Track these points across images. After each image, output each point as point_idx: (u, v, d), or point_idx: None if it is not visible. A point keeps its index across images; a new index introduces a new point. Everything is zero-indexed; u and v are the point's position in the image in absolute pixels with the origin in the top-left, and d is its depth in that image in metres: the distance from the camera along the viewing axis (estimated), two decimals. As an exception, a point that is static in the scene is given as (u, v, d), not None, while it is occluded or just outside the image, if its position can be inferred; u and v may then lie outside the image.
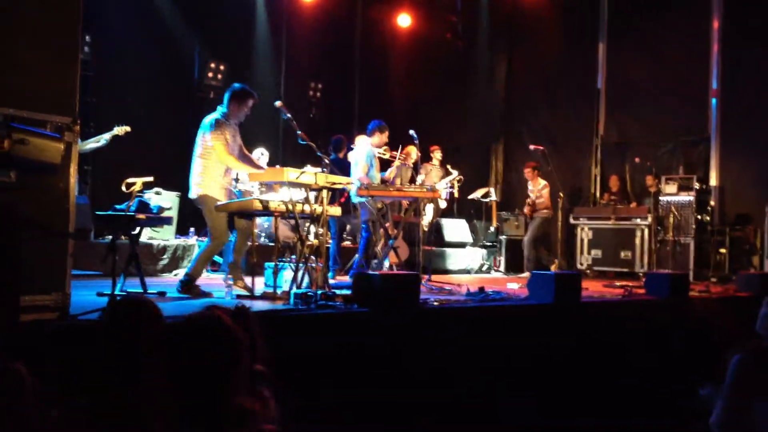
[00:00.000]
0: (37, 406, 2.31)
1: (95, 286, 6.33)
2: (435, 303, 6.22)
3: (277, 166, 8.52)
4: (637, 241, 11.03)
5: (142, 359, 2.49)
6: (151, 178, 6.68)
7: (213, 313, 2.44)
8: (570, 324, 6.54)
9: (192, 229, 10.13)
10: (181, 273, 8.56)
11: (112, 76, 10.58)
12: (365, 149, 8.90)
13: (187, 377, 2.32)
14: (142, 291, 6.26)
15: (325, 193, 6.61)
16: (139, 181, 6.34)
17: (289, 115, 6.80)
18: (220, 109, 6.66)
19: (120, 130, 8.19)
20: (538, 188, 11.33)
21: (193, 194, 6.63)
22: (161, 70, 11.47)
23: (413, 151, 9.74)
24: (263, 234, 10.03)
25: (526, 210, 11.52)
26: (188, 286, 6.39)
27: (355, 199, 8.67)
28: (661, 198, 11.11)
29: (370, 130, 8.98)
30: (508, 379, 5.88)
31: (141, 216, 6.29)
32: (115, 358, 2.50)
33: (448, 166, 11.47)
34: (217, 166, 6.56)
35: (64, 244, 4.49)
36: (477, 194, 12.78)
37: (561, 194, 11.20)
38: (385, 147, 9.44)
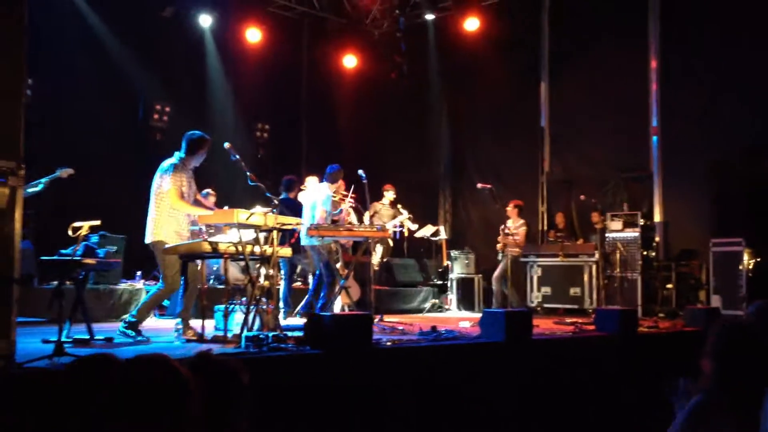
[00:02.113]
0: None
1: (40, 333, 6.17)
2: (388, 343, 6.19)
3: (226, 208, 8.44)
4: (586, 277, 11.18)
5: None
6: (97, 222, 6.55)
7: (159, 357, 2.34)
8: (522, 361, 6.57)
9: (138, 273, 9.94)
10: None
11: (55, 119, 10.42)
12: (326, 193, 8.86)
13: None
14: (88, 337, 6.12)
15: (275, 233, 6.57)
16: (85, 225, 6.21)
17: (237, 157, 6.79)
18: (178, 155, 6.65)
19: (63, 173, 8.01)
20: (516, 225, 11.40)
21: (147, 239, 6.58)
22: (106, 112, 11.34)
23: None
24: (212, 276, 9.90)
25: (499, 245, 11.53)
26: (134, 327, 6.31)
27: (305, 242, 8.63)
28: (607, 234, 11.30)
29: (330, 174, 8.95)
30: (463, 418, 5.86)
31: (88, 261, 6.16)
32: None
33: (399, 206, 11.48)
34: (172, 212, 6.53)
35: (8, 291, 4.37)
36: (426, 232, 12.83)
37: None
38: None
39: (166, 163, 6.62)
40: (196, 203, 6.81)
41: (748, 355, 3.10)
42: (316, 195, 8.94)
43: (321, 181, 9.26)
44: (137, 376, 2.22)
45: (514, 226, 11.42)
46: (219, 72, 13.36)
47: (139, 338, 6.29)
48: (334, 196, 9.23)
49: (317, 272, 8.83)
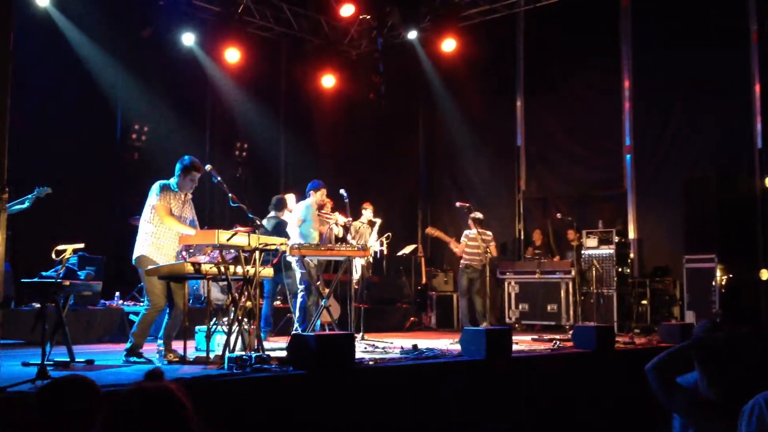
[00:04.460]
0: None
1: (19, 355, 6.15)
2: (370, 362, 6.23)
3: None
4: (563, 294, 11.29)
5: None
6: (81, 245, 6.54)
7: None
8: (503, 379, 6.64)
9: (117, 294, 9.90)
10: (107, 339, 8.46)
11: (33, 138, 10.35)
12: (303, 204, 8.91)
13: None
14: (69, 359, 6.11)
15: (257, 254, 6.59)
16: (69, 248, 6.21)
17: (219, 178, 6.82)
18: (173, 179, 6.72)
19: (41, 193, 7.99)
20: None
21: (134, 255, 6.60)
22: (83, 132, 11.30)
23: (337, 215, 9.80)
24: (191, 297, 9.87)
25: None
26: (133, 353, 6.32)
27: (289, 258, 8.66)
28: (583, 251, 11.42)
29: (309, 189, 9.01)
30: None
31: (70, 283, 6.15)
32: None
33: (371, 218, 11.38)
34: (163, 230, 6.56)
35: (-9, 314, 4.38)
36: (405, 250, 12.89)
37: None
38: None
39: (157, 183, 6.69)
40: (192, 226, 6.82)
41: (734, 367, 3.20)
42: (297, 210, 9.00)
43: (300, 200, 9.33)
44: (138, 410, 2.22)
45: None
46: (198, 90, 13.41)
47: (141, 360, 6.29)
48: (328, 215, 9.29)
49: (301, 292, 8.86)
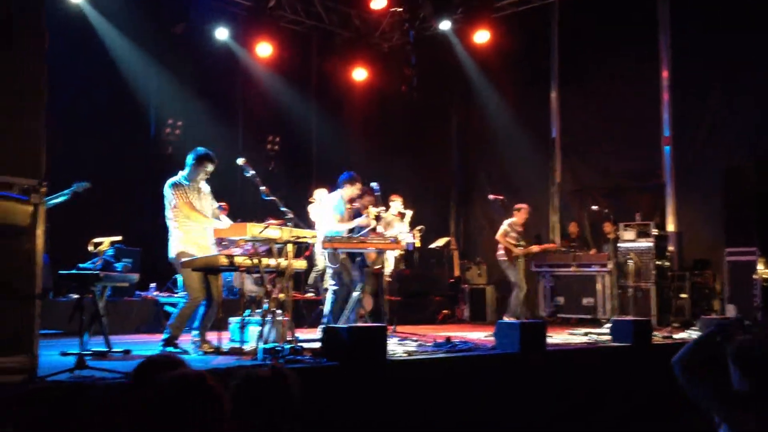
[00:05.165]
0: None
1: (56, 345, 6.24)
2: (404, 355, 6.22)
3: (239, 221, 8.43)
4: (599, 287, 11.17)
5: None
6: (119, 238, 6.62)
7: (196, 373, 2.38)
8: (537, 372, 6.58)
9: (153, 285, 9.99)
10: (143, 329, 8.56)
11: (68, 133, 10.47)
12: (335, 199, 8.77)
13: None
14: (106, 349, 6.19)
15: (290, 246, 6.58)
16: (106, 241, 6.29)
17: (252, 172, 6.82)
18: (182, 172, 6.77)
19: (79, 187, 8.06)
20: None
21: (171, 254, 6.67)
22: (118, 127, 11.43)
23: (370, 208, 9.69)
24: (225, 288, 9.92)
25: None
26: (170, 343, 6.39)
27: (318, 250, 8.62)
28: (620, 244, 11.25)
29: (341, 181, 8.81)
30: (480, 430, 5.87)
31: (107, 275, 6.24)
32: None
33: (400, 209, 11.30)
34: (189, 224, 6.61)
35: (30, 306, 4.42)
36: (438, 243, 12.84)
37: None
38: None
39: (170, 181, 6.74)
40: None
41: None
42: (327, 204, 8.82)
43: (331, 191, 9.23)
44: (172, 394, 2.25)
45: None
46: (230, 84, 13.49)
47: (177, 350, 6.32)
48: (365, 209, 9.17)
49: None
